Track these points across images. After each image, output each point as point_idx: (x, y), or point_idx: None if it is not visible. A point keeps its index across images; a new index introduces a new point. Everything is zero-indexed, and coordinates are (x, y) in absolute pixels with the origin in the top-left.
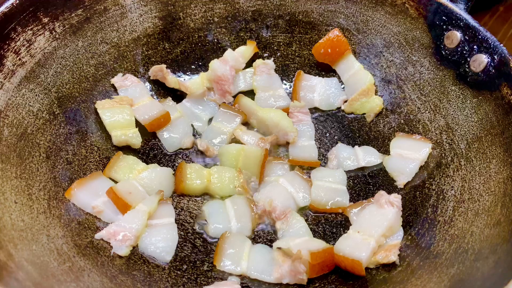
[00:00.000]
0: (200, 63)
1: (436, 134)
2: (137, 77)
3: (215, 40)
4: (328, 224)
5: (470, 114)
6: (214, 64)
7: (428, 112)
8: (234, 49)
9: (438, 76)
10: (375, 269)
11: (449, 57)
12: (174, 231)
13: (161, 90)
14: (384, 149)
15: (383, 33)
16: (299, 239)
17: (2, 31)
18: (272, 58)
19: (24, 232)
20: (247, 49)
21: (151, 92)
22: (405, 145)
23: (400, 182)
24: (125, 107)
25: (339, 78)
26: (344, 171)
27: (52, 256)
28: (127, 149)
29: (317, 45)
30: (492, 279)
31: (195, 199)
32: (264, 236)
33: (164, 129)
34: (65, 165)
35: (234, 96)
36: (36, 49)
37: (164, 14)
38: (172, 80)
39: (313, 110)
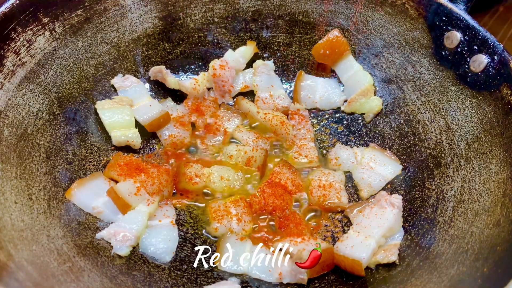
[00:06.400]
0: (200, 63)
1: (436, 134)
2: (137, 77)
3: (215, 40)
4: (328, 224)
5: (470, 114)
6: (214, 64)
7: (428, 112)
8: (234, 49)
9: (438, 77)
10: (375, 269)
11: (449, 57)
12: (174, 232)
13: (161, 90)
14: None
15: (383, 33)
16: (299, 239)
17: (2, 31)
18: (272, 59)
19: (24, 232)
20: (247, 50)
21: (151, 93)
22: (377, 159)
23: (364, 194)
24: (125, 108)
25: (338, 78)
26: (343, 171)
27: (52, 256)
28: (127, 149)
29: (316, 45)
30: (492, 279)
31: (195, 200)
32: (265, 236)
33: (164, 128)
34: (65, 165)
35: (234, 97)
36: (36, 49)
37: (164, 15)
38: (172, 81)
39: (313, 110)
